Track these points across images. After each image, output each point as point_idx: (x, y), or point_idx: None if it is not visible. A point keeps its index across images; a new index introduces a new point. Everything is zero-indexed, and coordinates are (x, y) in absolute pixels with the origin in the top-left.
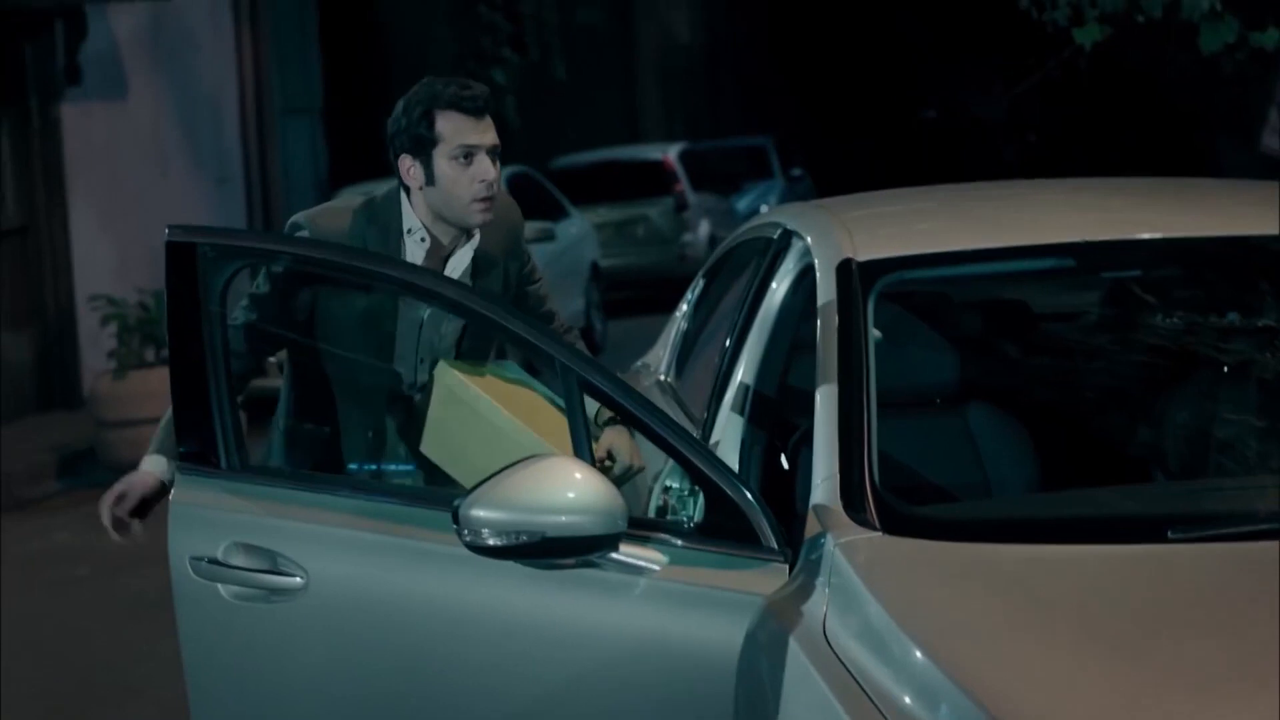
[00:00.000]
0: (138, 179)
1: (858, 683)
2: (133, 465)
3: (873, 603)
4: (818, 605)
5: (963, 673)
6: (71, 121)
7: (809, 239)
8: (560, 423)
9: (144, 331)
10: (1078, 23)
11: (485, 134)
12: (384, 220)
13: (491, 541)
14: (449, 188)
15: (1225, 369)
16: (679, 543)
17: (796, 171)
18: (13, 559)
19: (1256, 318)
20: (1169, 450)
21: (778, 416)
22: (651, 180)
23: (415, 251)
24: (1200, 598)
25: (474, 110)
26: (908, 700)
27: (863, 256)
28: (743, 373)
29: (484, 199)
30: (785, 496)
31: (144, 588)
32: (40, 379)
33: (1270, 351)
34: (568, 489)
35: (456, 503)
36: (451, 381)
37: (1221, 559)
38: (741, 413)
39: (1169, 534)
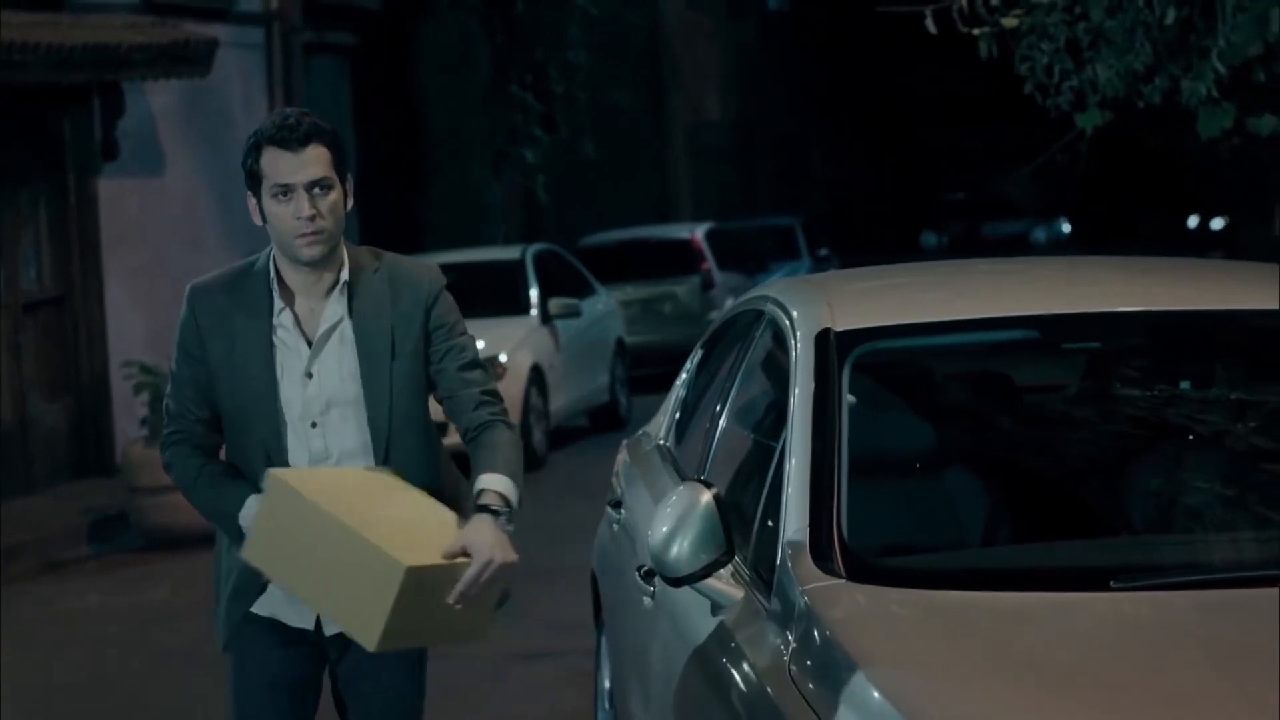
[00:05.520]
0: (171, 252)
1: (818, 716)
2: (165, 531)
3: (834, 643)
4: (784, 645)
5: (911, 705)
6: (107, 195)
7: (795, 312)
8: (407, 514)
9: None
10: (1080, 108)
11: (303, 169)
12: (259, 275)
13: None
14: (274, 224)
15: (1191, 437)
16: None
17: (823, 252)
18: (46, 618)
19: (1220, 389)
20: (1136, 513)
21: (754, 474)
22: (679, 259)
23: (276, 302)
24: (1134, 640)
25: (290, 144)
26: None
27: (840, 327)
28: (725, 435)
29: (306, 234)
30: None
31: (171, 642)
32: (74, 446)
33: (1234, 421)
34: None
35: None
36: (280, 487)
37: (1160, 606)
38: (728, 470)
39: (1111, 584)
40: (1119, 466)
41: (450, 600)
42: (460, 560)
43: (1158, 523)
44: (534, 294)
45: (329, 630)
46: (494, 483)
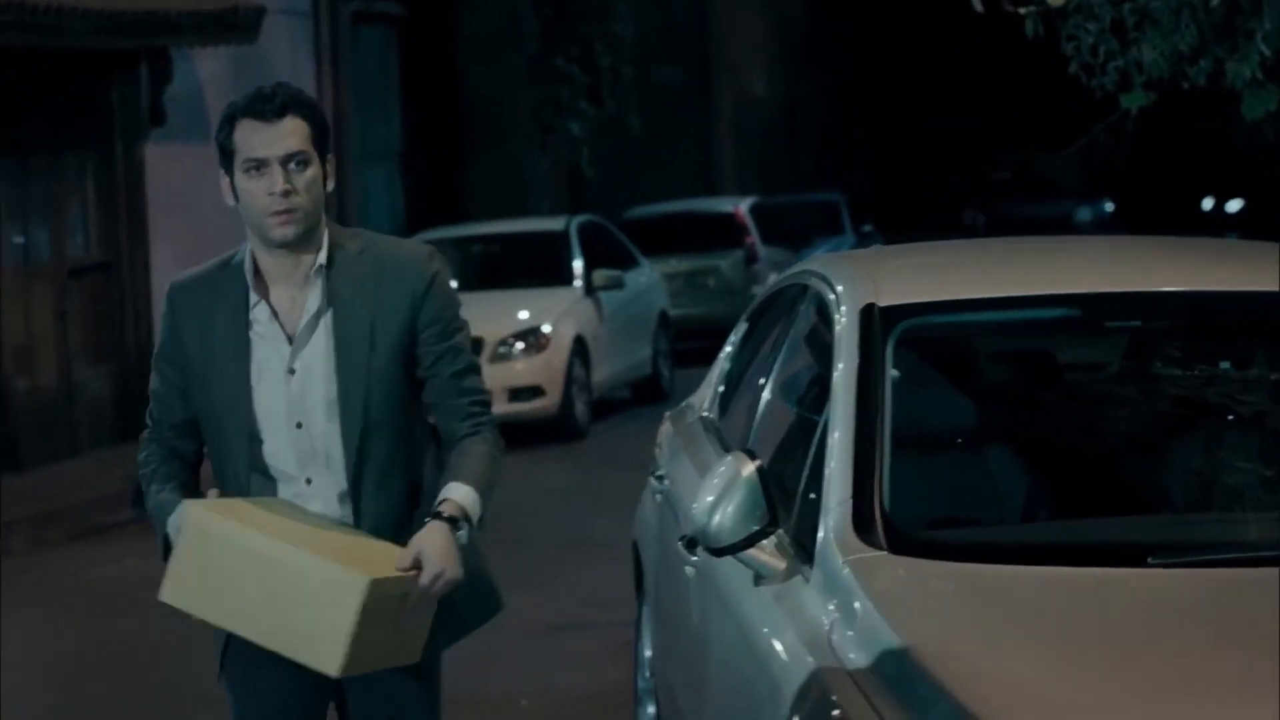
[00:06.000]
0: (218, 218)
1: (858, 686)
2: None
3: (874, 615)
4: (826, 615)
5: (950, 676)
6: (154, 161)
7: (839, 287)
8: (341, 539)
9: None
10: (1125, 88)
11: (277, 142)
12: (237, 268)
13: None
14: (246, 202)
15: (1230, 417)
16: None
17: (867, 228)
18: (87, 583)
19: (1260, 370)
20: (1175, 491)
21: (797, 447)
22: (722, 233)
23: (251, 295)
24: (1171, 615)
25: (266, 115)
26: (901, 702)
27: (884, 302)
28: (769, 408)
29: (278, 212)
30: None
31: None
32: (118, 410)
33: (1274, 401)
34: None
35: None
36: (201, 520)
37: (1198, 582)
38: (771, 443)
39: (1149, 560)
40: (1159, 445)
41: (402, 615)
42: (414, 573)
43: (1197, 501)
44: (578, 265)
45: None
46: (456, 492)
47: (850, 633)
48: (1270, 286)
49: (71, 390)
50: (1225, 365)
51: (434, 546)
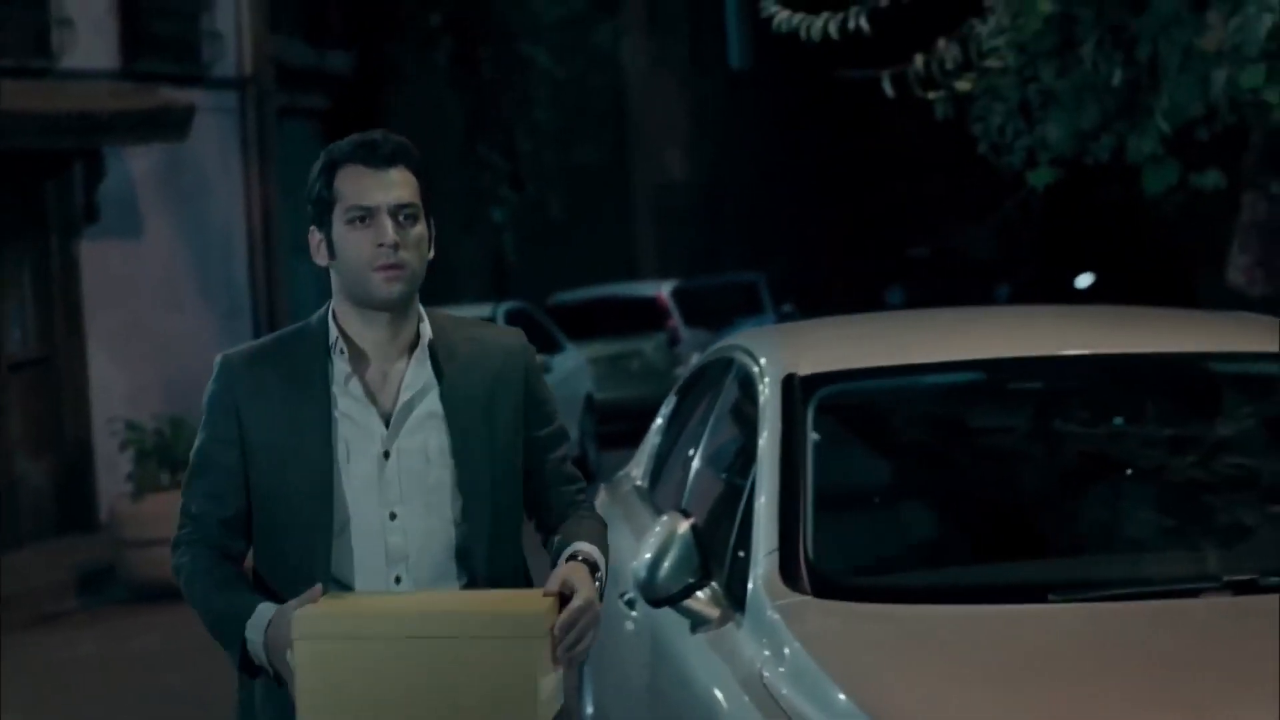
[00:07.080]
0: (152, 312)
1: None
2: (153, 583)
3: (801, 652)
4: (758, 656)
5: (872, 705)
6: (89, 257)
7: (762, 358)
8: (463, 594)
9: (160, 456)
10: (1031, 166)
11: (387, 190)
12: (311, 339)
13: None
14: (346, 256)
15: (1129, 470)
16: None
17: (787, 308)
18: (43, 669)
19: (1153, 426)
20: (1074, 536)
21: (727, 507)
22: (645, 316)
23: (340, 366)
24: (1069, 646)
25: (374, 162)
26: None
27: (804, 371)
28: (700, 474)
29: (386, 266)
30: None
31: (172, 684)
32: (58, 502)
33: (1165, 453)
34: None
35: None
36: (313, 622)
37: (1093, 616)
38: (703, 505)
39: (1049, 596)
40: (1062, 496)
41: (557, 652)
42: (564, 592)
43: (1093, 544)
44: None
45: None
46: (585, 547)
47: (781, 669)
48: (1162, 348)
49: (13, 483)
50: (1119, 422)
51: (582, 578)
